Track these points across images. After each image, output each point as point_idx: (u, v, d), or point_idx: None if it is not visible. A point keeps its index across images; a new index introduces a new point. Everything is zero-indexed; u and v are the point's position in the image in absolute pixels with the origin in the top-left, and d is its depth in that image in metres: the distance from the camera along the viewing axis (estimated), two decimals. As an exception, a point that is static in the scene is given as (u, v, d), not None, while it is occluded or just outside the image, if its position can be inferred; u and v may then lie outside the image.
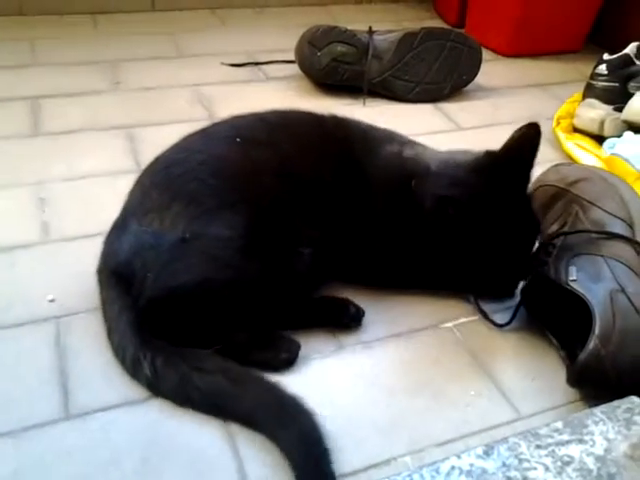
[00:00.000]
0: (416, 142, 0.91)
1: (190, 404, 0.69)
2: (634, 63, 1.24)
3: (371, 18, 1.59)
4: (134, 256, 0.73)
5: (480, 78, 1.43)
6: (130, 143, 1.15)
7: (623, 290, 0.73)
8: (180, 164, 0.79)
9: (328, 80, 1.37)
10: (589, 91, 1.28)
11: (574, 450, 0.60)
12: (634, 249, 0.78)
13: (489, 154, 0.80)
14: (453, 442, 0.68)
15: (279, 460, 0.64)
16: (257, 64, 1.48)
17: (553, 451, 0.60)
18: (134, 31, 1.59)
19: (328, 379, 0.73)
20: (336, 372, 0.75)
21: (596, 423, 0.63)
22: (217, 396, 0.68)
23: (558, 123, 1.29)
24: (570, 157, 1.21)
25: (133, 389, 0.70)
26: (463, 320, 0.84)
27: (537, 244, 0.83)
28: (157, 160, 0.83)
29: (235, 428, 0.67)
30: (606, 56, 1.27)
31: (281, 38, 1.53)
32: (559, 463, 0.59)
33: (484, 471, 0.58)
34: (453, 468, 0.58)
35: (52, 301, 0.81)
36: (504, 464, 0.58)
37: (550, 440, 0.61)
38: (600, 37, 1.68)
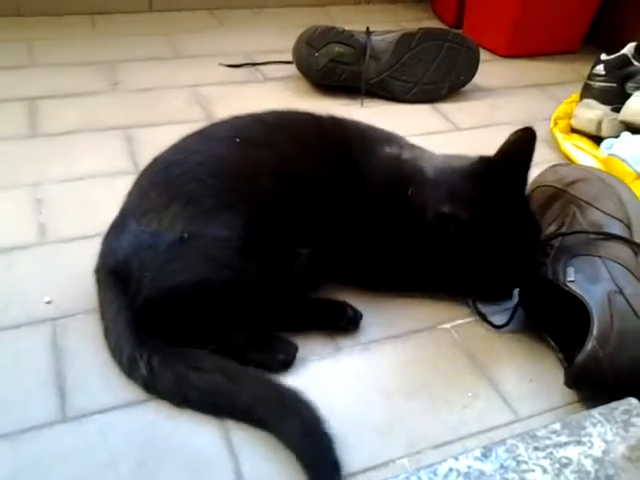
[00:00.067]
0: (413, 144, 0.91)
1: (187, 404, 0.69)
2: (632, 63, 1.24)
3: (369, 19, 1.59)
4: (132, 256, 0.73)
5: (478, 79, 1.43)
6: (128, 144, 1.15)
7: (621, 291, 0.73)
8: (179, 164, 0.79)
9: (326, 81, 1.37)
10: (587, 92, 1.28)
11: (572, 452, 0.60)
12: (632, 250, 0.78)
13: (483, 160, 0.80)
14: (451, 444, 0.68)
15: (276, 460, 0.64)
16: (255, 65, 1.48)
17: (551, 453, 0.60)
18: (132, 32, 1.59)
19: (325, 381, 0.73)
20: (333, 374, 0.75)
21: (594, 425, 0.63)
22: (215, 394, 0.68)
23: (556, 123, 1.29)
24: (568, 157, 1.21)
25: (130, 390, 0.70)
26: (461, 321, 0.84)
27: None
28: (156, 161, 0.82)
29: (232, 428, 0.67)
30: (604, 56, 1.27)
31: (279, 39, 1.53)
32: (557, 465, 0.59)
33: (482, 473, 0.58)
34: (451, 470, 0.58)
35: (49, 303, 0.81)
36: (502, 466, 0.58)
37: (548, 442, 0.61)
38: (598, 37, 1.68)
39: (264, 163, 0.79)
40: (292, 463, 0.64)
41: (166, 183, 0.77)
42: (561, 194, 0.87)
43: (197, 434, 0.67)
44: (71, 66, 1.40)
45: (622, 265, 0.75)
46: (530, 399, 0.74)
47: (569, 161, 1.19)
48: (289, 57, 1.40)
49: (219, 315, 0.73)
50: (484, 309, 0.84)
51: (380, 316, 0.82)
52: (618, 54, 1.26)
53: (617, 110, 1.22)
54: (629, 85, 1.24)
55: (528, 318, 0.83)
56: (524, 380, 0.76)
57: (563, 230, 0.82)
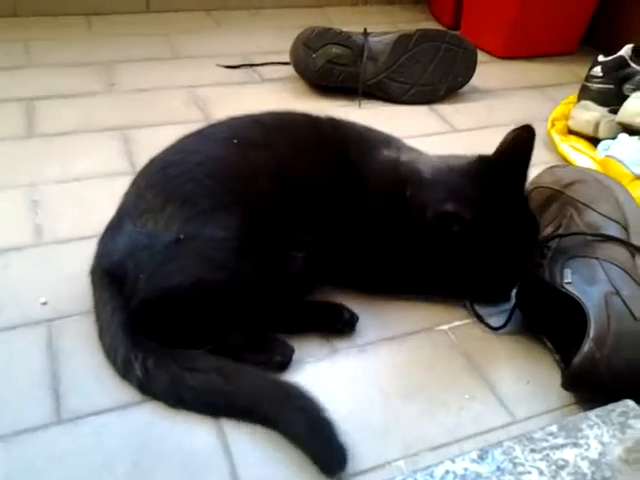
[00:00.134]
0: (411, 147, 0.91)
1: (183, 405, 0.68)
2: (629, 65, 1.25)
3: (366, 20, 1.59)
4: (127, 257, 0.73)
5: (475, 80, 1.43)
6: (125, 145, 1.15)
7: (618, 293, 0.73)
8: (176, 165, 0.78)
9: (323, 82, 1.37)
10: (584, 93, 1.28)
11: (569, 454, 0.60)
12: (629, 252, 0.77)
13: (483, 158, 0.80)
14: (447, 446, 0.68)
15: (271, 460, 0.64)
16: (252, 66, 1.48)
17: (548, 455, 0.59)
18: (129, 32, 1.59)
19: (322, 383, 0.72)
20: (330, 376, 0.75)
21: (591, 427, 0.63)
22: (212, 394, 0.68)
23: (553, 125, 1.29)
24: (565, 159, 1.21)
25: (125, 392, 0.70)
26: (458, 323, 0.84)
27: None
28: (153, 161, 0.82)
29: (227, 429, 0.67)
30: (601, 58, 1.27)
31: (276, 40, 1.53)
32: (553, 467, 0.59)
33: (478, 475, 0.57)
34: (447, 472, 0.58)
35: (45, 304, 0.80)
36: (498, 468, 0.58)
37: (545, 444, 0.61)
38: (595, 39, 1.68)
39: (261, 164, 0.79)
40: (288, 464, 0.64)
41: (163, 184, 0.77)
42: (558, 196, 0.87)
43: (193, 435, 0.67)
44: (68, 67, 1.40)
45: (619, 267, 0.75)
46: (527, 401, 0.74)
47: (566, 162, 1.19)
48: (287, 58, 1.40)
49: (215, 316, 0.73)
50: (481, 311, 0.84)
51: (377, 318, 0.82)
52: (615, 56, 1.26)
53: (614, 112, 1.22)
54: (626, 87, 1.24)
55: (525, 320, 0.83)
56: (521, 382, 0.76)
57: (560, 232, 0.82)
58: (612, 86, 1.25)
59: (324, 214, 0.80)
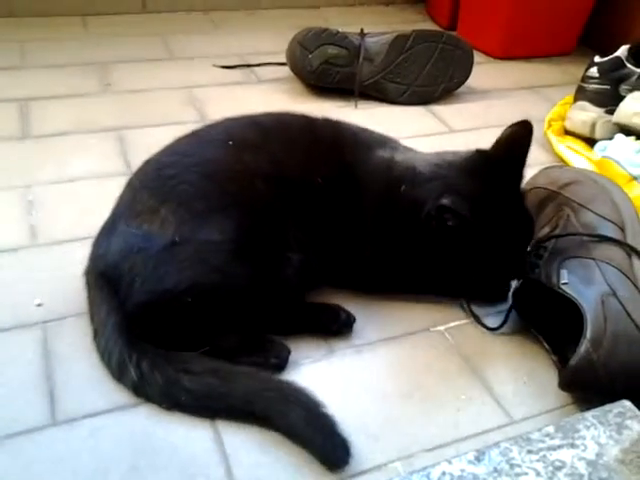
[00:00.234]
0: (406, 146, 0.91)
1: (178, 407, 0.68)
2: (625, 66, 1.25)
3: (363, 20, 1.59)
4: (123, 259, 0.73)
5: (472, 80, 1.43)
6: (120, 145, 1.14)
7: (614, 293, 0.73)
8: (171, 167, 0.78)
9: (319, 82, 1.37)
10: (580, 94, 1.28)
11: (565, 455, 0.60)
12: (625, 252, 0.77)
13: (480, 153, 0.80)
14: (444, 447, 0.67)
15: (268, 462, 0.64)
16: (249, 66, 1.48)
17: (544, 456, 0.59)
18: (125, 33, 1.58)
19: (318, 384, 0.72)
20: (326, 377, 0.74)
21: (588, 428, 0.63)
22: (208, 396, 0.68)
23: (549, 125, 1.29)
24: (561, 160, 1.21)
25: (120, 394, 0.70)
26: (455, 324, 0.84)
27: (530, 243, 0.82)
28: (148, 162, 0.82)
29: (223, 431, 0.67)
30: (597, 59, 1.27)
31: (273, 40, 1.53)
32: (550, 468, 0.58)
33: (475, 477, 0.57)
34: (444, 474, 0.57)
35: (39, 305, 0.80)
36: (495, 469, 0.58)
37: (541, 445, 0.61)
38: (591, 40, 1.68)
39: (257, 166, 0.79)
40: (284, 465, 0.64)
41: (158, 185, 0.76)
42: (555, 196, 0.87)
43: (189, 437, 0.66)
44: (63, 67, 1.40)
45: (615, 267, 0.75)
46: (524, 401, 0.74)
47: (563, 163, 1.19)
48: (283, 59, 1.40)
49: (211, 319, 0.72)
50: (478, 311, 0.84)
51: (373, 319, 0.82)
52: (612, 56, 1.26)
53: (611, 112, 1.22)
54: (623, 87, 1.24)
55: (522, 320, 0.83)
56: (518, 382, 0.76)
57: (557, 232, 0.82)
58: (608, 87, 1.25)
59: (320, 215, 0.80)
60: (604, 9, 1.65)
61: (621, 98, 1.22)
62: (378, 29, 1.41)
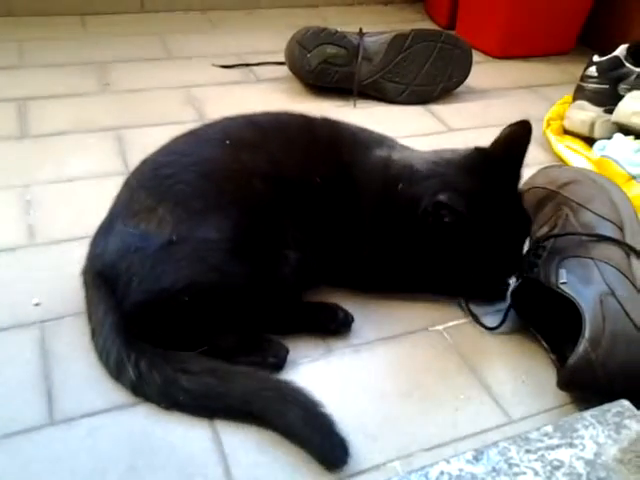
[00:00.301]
0: (404, 145, 0.90)
1: (176, 406, 0.68)
2: (624, 65, 1.25)
3: (362, 20, 1.59)
4: (120, 258, 0.73)
5: (470, 80, 1.43)
6: (119, 145, 1.14)
7: (613, 293, 0.73)
8: (169, 166, 0.78)
9: (318, 82, 1.37)
10: (579, 93, 1.28)
11: (564, 454, 0.60)
12: (624, 252, 0.77)
13: (479, 151, 0.80)
14: (442, 447, 0.67)
15: (266, 462, 0.64)
16: (247, 65, 1.48)
17: (543, 455, 0.59)
18: (123, 32, 1.58)
19: (316, 383, 0.72)
20: (325, 376, 0.74)
21: (586, 427, 0.62)
22: (206, 396, 0.68)
23: (548, 125, 1.29)
24: (560, 159, 1.21)
25: (119, 393, 0.70)
26: (453, 323, 0.84)
27: (527, 243, 0.82)
28: (146, 162, 0.82)
29: (222, 430, 0.67)
30: (596, 58, 1.27)
31: (271, 40, 1.53)
32: (549, 467, 0.58)
33: (473, 476, 0.57)
34: (442, 473, 0.57)
35: (37, 305, 0.80)
36: (494, 469, 0.58)
37: (540, 444, 0.60)
38: (590, 39, 1.68)
39: (255, 165, 0.78)
40: (282, 464, 0.64)
41: (155, 185, 0.76)
42: (553, 196, 0.87)
43: (187, 437, 0.66)
44: (62, 66, 1.40)
45: (614, 267, 0.75)
46: (522, 401, 0.74)
47: (562, 162, 1.19)
48: (282, 58, 1.40)
49: (208, 318, 0.72)
50: (476, 310, 0.84)
51: (371, 318, 0.82)
52: (610, 56, 1.26)
53: (610, 112, 1.22)
54: (621, 86, 1.24)
55: (520, 319, 0.83)
56: (516, 382, 0.76)
57: (555, 232, 0.82)
58: (607, 86, 1.25)
59: (318, 215, 0.80)
60: (603, 8, 1.65)
61: (620, 97, 1.22)
62: (377, 28, 1.41)
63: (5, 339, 0.75)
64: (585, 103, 1.26)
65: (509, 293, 0.83)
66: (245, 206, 0.75)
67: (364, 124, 0.92)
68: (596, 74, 1.25)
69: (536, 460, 0.59)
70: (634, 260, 0.76)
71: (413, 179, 0.79)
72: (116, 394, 0.70)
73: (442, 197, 0.73)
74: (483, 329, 0.82)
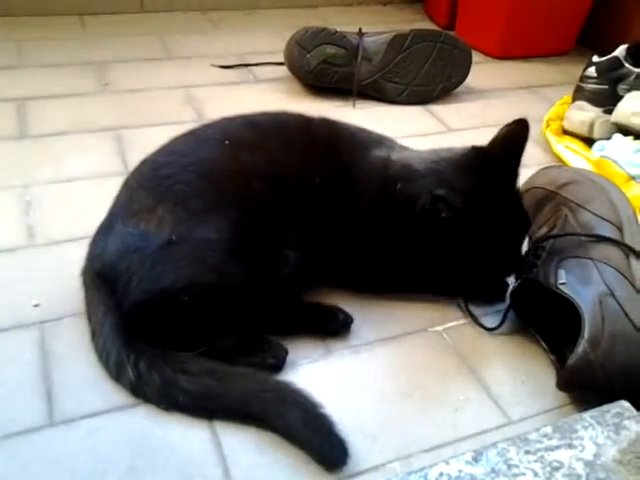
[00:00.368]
0: (403, 146, 0.90)
1: (176, 407, 0.68)
2: (623, 66, 1.25)
3: (361, 20, 1.59)
4: (119, 258, 0.73)
5: (470, 80, 1.43)
6: (118, 145, 1.14)
7: (612, 294, 0.73)
8: (168, 166, 0.78)
9: (317, 82, 1.36)
10: (579, 93, 1.28)
11: (563, 455, 0.60)
12: (623, 252, 0.77)
13: (476, 150, 0.80)
14: (442, 448, 0.67)
15: (265, 463, 0.64)
16: (247, 66, 1.47)
17: (542, 456, 0.59)
18: (122, 32, 1.58)
19: (316, 384, 0.72)
20: (324, 377, 0.74)
21: (585, 428, 0.62)
22: (206, 397, 0.68)
23: (548, 125, 1.29)
24: (560, 159, 1.21)
25: (118, 394, 0.70)
26: (452, 324, 0.84)
27: (526, 243, 0.82)
28: (145, 162, 0.82)
29: (221, 431, 0.67)
30: (595, 58, 1.27)
31: (271, 40, 1.53)
32: (548, 468, 0.58)
33: (473, 477, 0.57)
34: (441, 474, 0.57)
35: (37, 306, 0.80)
36: (493, 470, 0.58)
37: (539, 445, 0.60)
38: (590, 39, 1.68)
39: (254, 165, 0.78)
40: (281, 465, 0.64)
41: (155, 185, 0.76)
42: (552, 196, 0.87)
43: (186, 438, 0.66)
44: (61, 66, 1.39)
45: (613, 267, 0.75)
46: (522, 401, 0.74)
47: (561, 163, 1.19)
48: (281, 58, 1.40)
49: (208, 318, 0.72)
50: (476, 311, 0.84)
51: (371, 319, 0.82)
52: (610, 56, 1.26)
53: (609, 112, 1.22)
54: (621, 87, 1.24)
55: (520, 320, 0.83)
56: (516, 382, 0.76)
57: (554, 232, 0.82)
58: (607, 86, 1.25)
59: (317, 215, 0.80)
60: (602, 9, 1.65)
61: (619, 98, 1.22)
62: (376, 29, 1.41)
63: (5, 340, 0.75)
64: (584, 103, 1.26)
65: (508, 294, 0.83)
66: (244, 206, 0.75)
67: (363, 124, 0.92)
68: (595, 74, 1.26)
69: (535, 461, 0.59)
70: (633, 260, 0.76)
71: (411, 178, 0.79)
72: (116, 395, 0.70)
73: (439, 192, 0.73)
74: (482, 330, 0.82)
